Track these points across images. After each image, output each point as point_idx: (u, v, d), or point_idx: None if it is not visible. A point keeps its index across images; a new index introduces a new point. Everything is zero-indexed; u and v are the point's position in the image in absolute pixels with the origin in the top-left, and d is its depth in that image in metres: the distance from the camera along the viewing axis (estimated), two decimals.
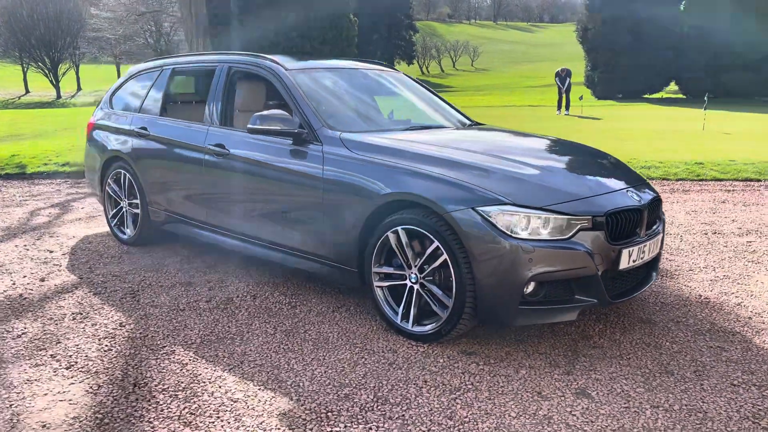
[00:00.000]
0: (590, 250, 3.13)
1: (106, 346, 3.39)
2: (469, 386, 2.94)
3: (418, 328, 3.41)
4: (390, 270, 3.52)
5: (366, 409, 2.75)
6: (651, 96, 32.75)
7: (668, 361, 3.21)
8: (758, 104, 26.23)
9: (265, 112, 3.94)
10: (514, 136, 4.44)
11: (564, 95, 21.50)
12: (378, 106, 4.56)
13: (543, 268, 3.07)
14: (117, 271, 4.67)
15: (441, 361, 3.21)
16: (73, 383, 2.97)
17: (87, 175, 5.82)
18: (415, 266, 3.38)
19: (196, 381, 2.99)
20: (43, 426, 2.60)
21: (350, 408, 2.75)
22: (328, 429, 2.59)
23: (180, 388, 2.92)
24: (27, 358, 3.24)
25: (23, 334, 3.54)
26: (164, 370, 3.10)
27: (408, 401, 2.81)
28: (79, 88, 56.79)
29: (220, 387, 2.93)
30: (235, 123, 4.58)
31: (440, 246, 3.22)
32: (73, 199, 7.49)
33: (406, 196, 3.35)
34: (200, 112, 5.30)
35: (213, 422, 2.64)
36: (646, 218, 3.46)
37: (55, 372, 3.08)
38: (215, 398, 2.83)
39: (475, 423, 2.63)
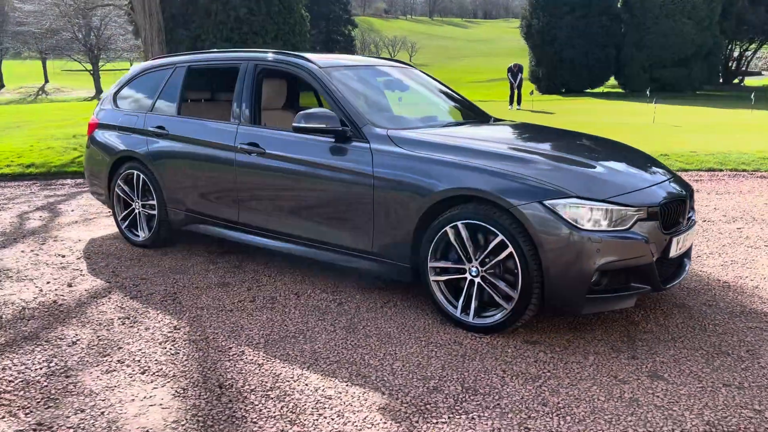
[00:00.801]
0: (647, 239, 3.30)
1: (171, 349, 3.34)
2: (548, 374, 3.06)
3: (479, 320, 3.51)
4: (447, 264, 3.60)
5: (460, 400, 2.82)
6: (593, 90, 33.89)
7: (719, 342, 3.42)
8: (691, 97, 27.56)
9: (309, 111, 3.95)
10: (549, 131, 4.60)
11: (516, 90, 22.01)
12: (411, 102, 4.62)
13: (608, 258, 3.23)
14: (142, 273, 4.56)
15: (509, 350, 3.31)
16: (156, 387, 2.92)
17: (89, 176, 5.64)
18: (476, 260, 3.47)
19: (280, 380, 2.99)
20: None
21: (444, 399, 2.82)
22: (434, 421, 2.65)
23: (268, 388, 2.92)
24: (94, 365, 3.16)
25: (77, 341, 3.44)
26: (243, 371, 3.08)
27: (497, 390, 2.90)
28: (1, 85, 54.07)
29: (307, 385, 2.95)
30: (264, 121, 4.55)
31: (505, 239, 3.32)
32: (57, 202, 7.22)
33: (467, 192, 3.43)
34: (221, 110, 5.36)
35: (317, 420, 2.66)
36: (687, 208, 3.67)
37: (131, 377, 3.02)
38: (308, 396, 2.85)
39: (569, 408, 2.75)
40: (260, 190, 4.35)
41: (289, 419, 2.66)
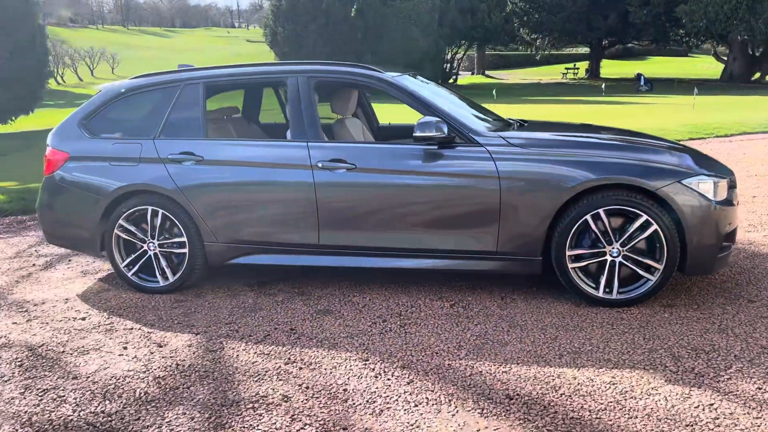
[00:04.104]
0: (737, 204, 4.05)
1: (387, 381, 3.11)
2: (717, 327, 3.59)
3: (622, 296, 3.91)
4: (584, 251, 3.92)
5: (688, 369, 3.22)
6: None
7: None
8: None
9: (424, 120, 3.92)
10: (595, 127, 5.16)
11: None
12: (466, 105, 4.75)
13: (729, 222, 3.90)
14: (213, 318, 3.98)
15: (665, 316, 3.78)
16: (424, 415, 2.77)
17: (56, 223, 4.62)
18: (617, 241, 3.86)
19: (547, 392, 3.05)
20: None
21: (685, 367, 3.19)
22: (717, 382, 3.01)
23: (531, 401, 2.96)
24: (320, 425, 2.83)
25: (262, 397, 2.99)
26: (512, 383, 3.06)
27: (705, 352, 3.34)
28: None
29: (593, 379, 3.06)
30: (328, 135, 4.31)
31: (650, 218, 3.77)
32: (19, 253, 5.61)
33: (612, 180, 3.79)
34: (254, 128, 5.24)
35: (613, 416, 2.83)
36: None
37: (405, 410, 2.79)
38: (602, 392, 2.98)
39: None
40: (352, 207, 4.13)
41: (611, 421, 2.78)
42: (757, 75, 37.04)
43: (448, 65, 39.30)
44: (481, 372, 3.17)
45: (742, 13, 30.72)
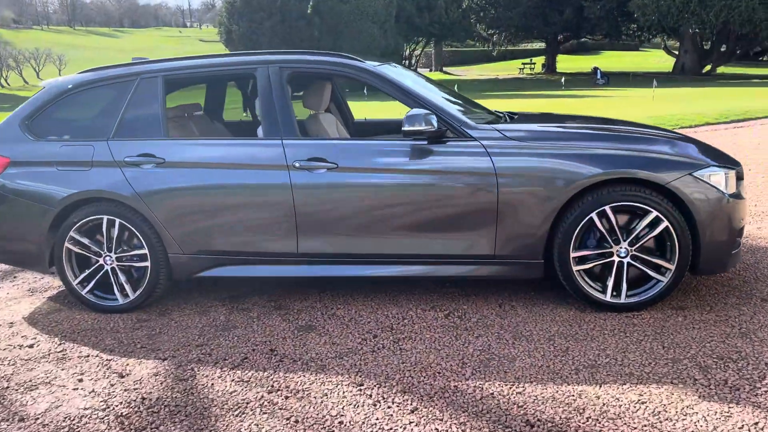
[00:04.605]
0: (746, 199, 3.78)
1: (388, 409, 2.73)
2: (737, 331, 3.32)
3: (631, 299, 3.60)
4: (589, 251, 3.61)
5: (710, 368, 2.93)
6: (298, 93, 34.94)
7: None
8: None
9: (412, 112, 3.55)
10: (589, 118, 4.86)
11: None
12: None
13: (743, 216, 3.63)
14: (182, 339, 3.53)
15: (679, 320, 3.49)
16: None
17: (1, 237, 4.10)
18: (625, 240, 3.56)
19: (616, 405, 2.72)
20: None
21: (717, 375, 2.90)
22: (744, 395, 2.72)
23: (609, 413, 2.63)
24: None
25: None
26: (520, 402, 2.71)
27: (734, 361, 3.07)
28: None
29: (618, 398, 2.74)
30: (300, 132, 3.91)
31: (660, 215, 3.48)
32: None
33: (620, 175, 3.47)
34: (220, 126, 4.82)
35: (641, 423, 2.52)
36: None
37: None
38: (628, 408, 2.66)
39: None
40: (334, 211, 3.72)
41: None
42: (708, 67, 37.87)
43: (407, 62, 39.05)
44: (492, 394, 2.81)
45: (693, 7, 31.27)
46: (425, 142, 3.64)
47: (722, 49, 37.65)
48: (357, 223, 3.71)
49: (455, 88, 24.74)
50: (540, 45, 49.63)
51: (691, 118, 13.86)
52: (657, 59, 48.80)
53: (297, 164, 3.69)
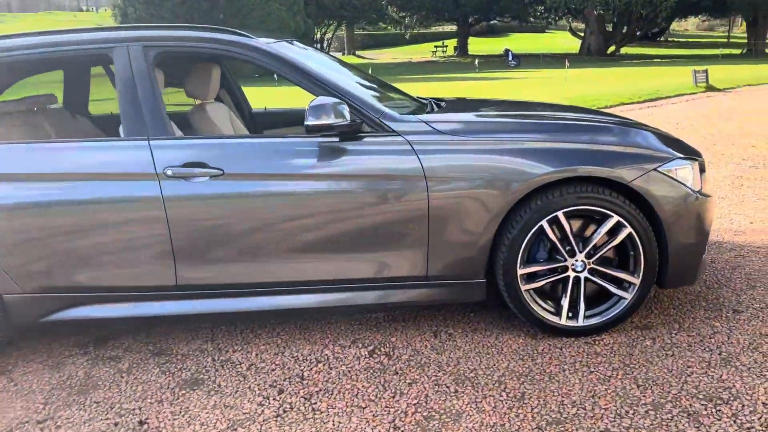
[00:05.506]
0: (714, 195, 3.23)
1: None
2: (718, 357, 2.79)
3: (590, 321, 3.01)
4: (540, 267, 2.97)
5: (676, 397, 2.36)
6: None
7: None
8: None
9: (317, 102, 2.76)
10: (534, 104, 4.23)
11: None
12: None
13: (712, 217, 3.08)
14: (21, 410, 2.63)
15: (647, 344, 2.92)
16: None
17: None
18: (581, 252, 2.94)
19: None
20: None
21: (686, 403, 2.32)
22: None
23: None
24: None
25: None
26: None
27: (725, 402, 2.51)
28: None
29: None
30: (183, 127, 3.05)
31: (622, 219, 2.87)
32: None
33: (573, 173, 2.83)
34: (96, 123, 3.93)
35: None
36: None
37: None
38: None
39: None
40: (220, 230, 2.89)
41: None
42: (612, 48, 38.90)
43: (318, 45, 37.93)
44: None
45: None
46: (336, 139, 2.87)
47: (624, 31, 38.72)
48: (250, 244, 2.90)
49: (369, 71, 24.02)
50: (451, 27, 49.53)
51: (606, 98, 13.75)
52: (563, 41, 49.79)
53: (169, 171, 2.83)
